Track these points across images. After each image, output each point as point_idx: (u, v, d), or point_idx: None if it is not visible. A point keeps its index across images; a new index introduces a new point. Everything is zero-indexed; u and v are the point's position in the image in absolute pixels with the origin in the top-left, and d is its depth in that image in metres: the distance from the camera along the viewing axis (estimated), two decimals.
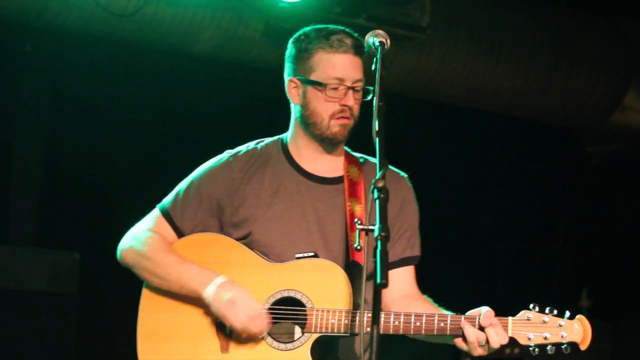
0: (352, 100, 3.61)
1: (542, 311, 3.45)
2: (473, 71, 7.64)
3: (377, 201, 3.17)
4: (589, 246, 9.13)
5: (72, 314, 6.99)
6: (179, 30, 6.77)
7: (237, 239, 3.65)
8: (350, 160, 3.74)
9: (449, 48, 7.53)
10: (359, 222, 3.31)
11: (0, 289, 6.81)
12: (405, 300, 3.64)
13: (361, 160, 3.78)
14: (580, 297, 8.72)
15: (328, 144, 3.67)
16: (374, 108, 3.37)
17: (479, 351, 3.47)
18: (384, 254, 3.10)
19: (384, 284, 3.08)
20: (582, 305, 8.66)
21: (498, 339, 3.43)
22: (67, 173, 7.71)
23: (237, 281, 3.55)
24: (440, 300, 3.65)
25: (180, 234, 3.71)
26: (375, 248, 3.11)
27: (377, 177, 3.20)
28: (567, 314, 3.45)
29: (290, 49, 3.71)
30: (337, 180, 3.69)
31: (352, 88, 3.61)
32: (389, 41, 3.47)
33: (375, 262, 3.07)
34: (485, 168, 8.70)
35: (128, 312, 8.56)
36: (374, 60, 3.44)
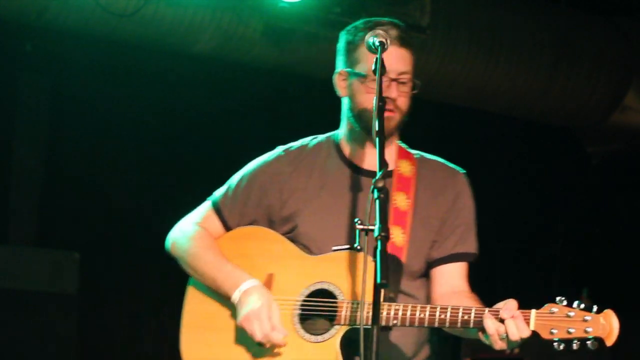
0: (394, 92, 3.55)
1: (568, 305, 3.35)
2: (473, 71, 7.64)
3: (377, 201, 3.17)
4: (589, 246, 9.13)
5: (72, 314, 6.99)
6: (179, 30, 6.77)
7: (285, 233, 3.65)
8: (403, 155, 3.71)
9: (449, 48, 7.53)
10: (359, 222, 3.29)
11: (0, 289, 6.81)
12: (452, 296, 3.58)
13: (416, 155, 3.75)
14: (580, 297, 8.71)
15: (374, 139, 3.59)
16: (374, 108, 3.37)
17: (499, 344, 3.38)
18: (384, 254, 3.10)
19: (384, 284, 3.08)
20: None
21: (518, 332, 3.34)
22: (67, 173, 7.71)
23: (275, 273, 3.58)
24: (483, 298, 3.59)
25: (227, 227, 3.73)
26: (375, 248, 3.11)
27: (376, 177, 3.20)
28: (595, 308, 3.35)
29: (339, 41, 3.72)
30: (387, 175, 3.61)
31: (396, 80, 3.56)
32: (389, 41, 3.46)
33: (375, 261, 3.07)
34: (485, 168, 8.70)
35: (128, 312, 8.59)
36: (374, 60, 3.42)
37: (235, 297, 3.54)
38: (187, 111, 7.86)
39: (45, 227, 7.60)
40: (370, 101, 3.50)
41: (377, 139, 3.32)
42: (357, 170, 3.66)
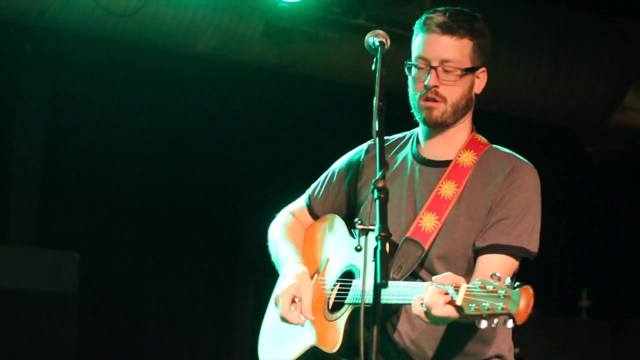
0: (434, 80, 3.53)
1: (497, 279, 3.09)
2: None
3: (377, 201, 3.17)
4: (589, 246, 9.13)
5: (72, 314, 6.99)
6: (179, 30, 6.77)
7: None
8: (472, 145, 3.65)
9: None
10: (359, 222, 3.29)
11: (0, 289, 6.81)
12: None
13: (489, 147, 3.69)
14: (580, 297, 8.72)
15: (430, 127, 3.60)
16: (374, 108, 3.37)
17: (417, 309, 3.21)
18: (384, 254, 3.10)
19: (384, 284, 3.08)
20: (582, 305, 8.67)
21: (433, 302, 3.15)
22: (67, 173, 7.71)
23: (330, 257, 3.71)
24: None
25: (315, 215, 3.88)
26: (375, 248, 3.11)
27: (376, 177, 3.20)
28: (517, 284, 3.06)
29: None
30: (444, 164, 3.60)
31: (435, 68, 3.53)
32: (389, 41, 3.47)
33: (375, 261, 3.07)
34: None
35: (128, 312, 8.59)
36: (374, 60, 3.42)
37: (279, 280, 3.69)
38: (187, 111, 7.87)
39: (45, 227, 7.60)
40: (415, 90, 3.57)
41: (377, 139, 3.32)
42: (419, 159, 3.64)
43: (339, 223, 3.77)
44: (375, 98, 3.36)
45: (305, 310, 3.56)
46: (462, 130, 3.66)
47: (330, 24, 6.96)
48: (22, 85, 7.59)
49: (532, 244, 3.51)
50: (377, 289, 3.10)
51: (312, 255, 3.81)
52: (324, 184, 3.84)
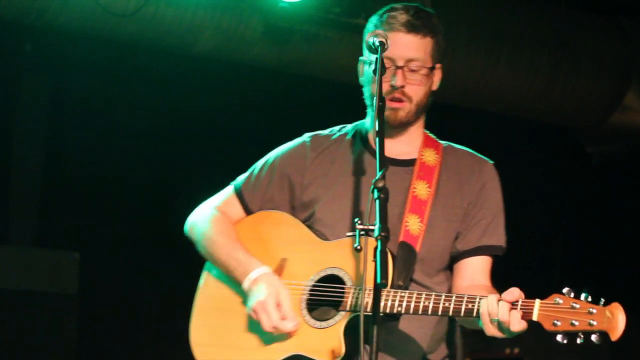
0: (400, 80, 3.50)
1: (576, 297, 3.20)
2: (473, 71, 7.64)
3: (377, 201, 3.15)
4: (589, 246, 9.13)
5: (72, 314, 6.99)
6: (179, 30, 6.76)
7: (304, 219, 3.61)
8: (429, 143, 3.64)
9: (449, 48, 7.51)
10: (359, 221, 3.27)
11: (0, 289, 6.81)
12: (469, 289, 3.48)
13: (444, 145, 3.69)
14: (580, 297, 8.71)
15: (389, 128, 3.53)
16: (374, 108, 3.36)
17: (490, 329, 3.23)
18: (384, 254, 3.10)
19: (384, 284, 3.08)
20: None
21: (509, 318, 3.20)
22: (67, 173, 7.71)
23: (288, 258, 3.55)
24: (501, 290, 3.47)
25: (248, 211, 3.70)
26: (376, 248, 3.10)
27: (377, 177, 3.18)
28: (602, 301, 3.18)
29: (365, 28, 3.64)
30: (409, 163, 3.59)
31: (402, 67, 3.50)
32: (389, 41, 3.43)
33: (375, 261, 3.07)
34: None
35: (128, 312, 8.58)
36: (374, 60, 3.40)
37: (245, 285, 3.50)
38: (187, 111, 7.86)
39: (45, 227, 7.60)
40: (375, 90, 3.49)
41: (377, 139, 3.30)
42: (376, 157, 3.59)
43: (292, 221, 3.62)
44: (375, 98, 3.35)
45: (291, 316, 3.43)
46: (420, 128, 3.67)
47: (330, 24, 6.96)
48: (22, 85, 7.58)
49: (505, 241, 3.61)
50: (377, 289, 3.09)
51: (258, 254, 3.60)
52: (261, 178, 3.68)
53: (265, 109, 7.90)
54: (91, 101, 7.62)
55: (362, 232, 3.22)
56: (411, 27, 3.52)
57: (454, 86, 7.71)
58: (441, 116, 9.20)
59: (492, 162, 3.67)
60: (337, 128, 3.74)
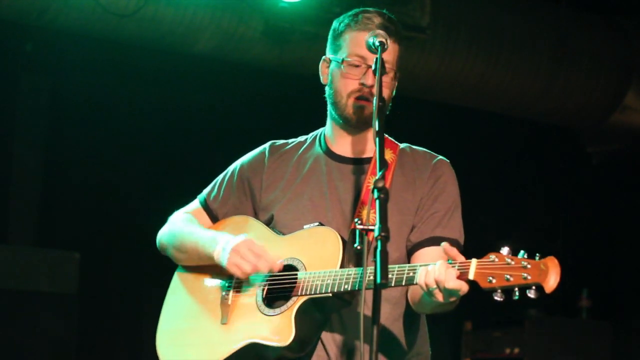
0: (371, 79, 3.53)
1: (513, 254, 3.22)
2: (473, 71, 7.64)
3: (377, 201, 3.16)
4: (589, 246, 9.13)
5: (72, 314, 6.99)
6: (179, 30, 6.77)
7: (266, 222, 3.70)
8: (387, 145, 3.68)
9: (449, 48, 7.52)
10: (359, 221, 3.29)
11: (0, 289, 6.81)
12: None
13: (401, 146, 3.73)
14: (580, 297, 8.72)
15: (351, 127, 3.62)
16: (374, 108, 3.37)
17: (436, 294, 3.24)
18: (384, 254, 3.10)
19: (384, 284, 3.08)
20: (582, 305, 8.66)
21: (445, 277, 3.20)
22: (67, 173, 7.71)
23: None
24: None
25: (215, 218, 3.79)
26: (376, 248, 3.11)
27: (377, 177, 3.20)
28: (537, 256, 3.20)
29: (330, 31, 3.72)
30: (365, 161, 3.65)
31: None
32: (389, 41, 3.46)
33: (375, 261, 3.08)
34: (485, 168, 8.70)
35: (128, 312, 8.58)
36: (374, 60, 3.42)
37: (217, 251, 3.56)
38: (187, 111, 7.86)
39: (45, 227, 7.60)
40: (346, 86, 3.57)
41: (377, 139, 3.32)
42: (334, 157, 3.68)
43: (253, 222, 3.69)
44: (375, 98, 3.36)
45: (272, 259, 3.49)
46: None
47: (330, 24, 6.95)
48: (22, 85, 7.58)
49: (462, 237, 3.65)
50: (377, 289, 3.10)
51: None
52: (224, 186, 3.79)
53: (265, 109, 7.90)
54: (91, 101, 7.62)
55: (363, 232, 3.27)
56: (386, 30, 3.56)
57: (454, 86, 7.72)
58: (441, 116, 9.25)
59: (447, 160, 3.71)
60: (299, 139, 3.83)
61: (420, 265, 3.31)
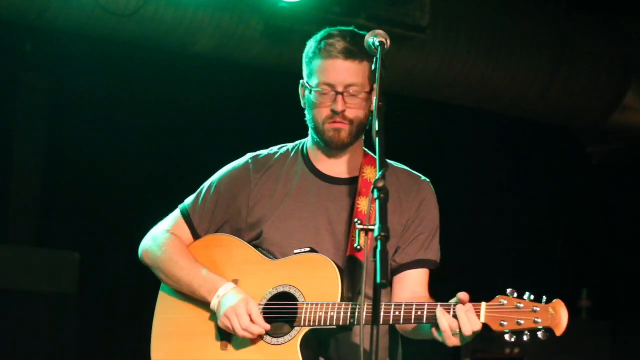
0: (341, 106, 3.59)
1: (519, 297, 3.33)
2: (473, 71, 7.64)
3: (377, 201, 3.17)
4: (589, 246, 9.13)
5: (72, 314, 6.99)
6: (179, 30, 6.77)
7: (251, 240, 3.71)
8: (370, 162, 3.72)
9: (449, 48, 7.53)
10: (359, 222, 3.30)
11: (0, 289, 6.81)
12: (412, 301, 3.56)
13: None
14: (580, 297, 8.72)
15: (331, 148, 3.67)
16: (374, 108, 3.38)
17: (452, 340, 3.38)
18: (384, 254, 3.11)
19: (384, 284, 3.09)
20: (582, 305, 8.66)
21: (470, 325, 3.33)
22: (67, 173, 7.71)
23: (240, 279, 3.63)
24: (440, 300, 3.61)
25: (196, 234, 3.79)
26: (376, 248, 3.11)
27: (377, 177, 3.21)
28: (544, 299, 3.30)
29: (304, 53, 3.77)
30: (352, 181, 3.70)
31: (343, 93, 3.59)
32: (389, 41, 3.47)
33: (375, 262, 3.08)
34: (485, 168, 8.70)
35: (128, 312, 8.58)
36: (374, 60, 3.43)
37: (214, 303, 3.60)
38: (187, 111, 7.86)
39: (45, 227, 7.60)
40: (320, 114, 3.62)
41: (377, 139, 3.33)
42: (322, 177, 3.71)
43: (238, 243, 3.71)
44: (375, 98, 3.37)
45: (260, 321, 3.52)
46: (359, 147, 3.74)
47: (330, 24, 6.91)
48: (22, 85, 7.58)
49: (439, 257, 3.74)
50: (377, 289, 3.10)
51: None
52: (208, 203, 3.79)
53: (266, 109, 7.90)
54: (91, 101, 7.62)
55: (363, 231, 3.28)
56: (349, 54, 3.61)
57: (454, 86, 7.72)
58: (441, 116, 9.26)
59: (428, 180, 3.76)
60: (276, 147, 3.84)
61: (429, 305, 3.40)
